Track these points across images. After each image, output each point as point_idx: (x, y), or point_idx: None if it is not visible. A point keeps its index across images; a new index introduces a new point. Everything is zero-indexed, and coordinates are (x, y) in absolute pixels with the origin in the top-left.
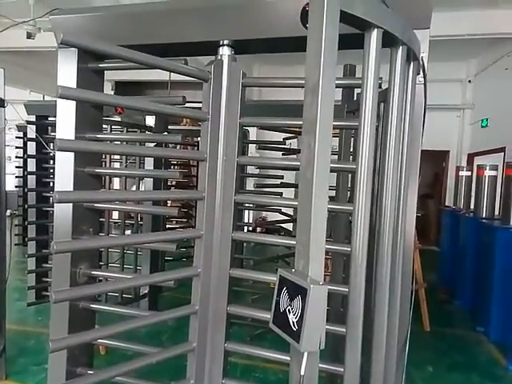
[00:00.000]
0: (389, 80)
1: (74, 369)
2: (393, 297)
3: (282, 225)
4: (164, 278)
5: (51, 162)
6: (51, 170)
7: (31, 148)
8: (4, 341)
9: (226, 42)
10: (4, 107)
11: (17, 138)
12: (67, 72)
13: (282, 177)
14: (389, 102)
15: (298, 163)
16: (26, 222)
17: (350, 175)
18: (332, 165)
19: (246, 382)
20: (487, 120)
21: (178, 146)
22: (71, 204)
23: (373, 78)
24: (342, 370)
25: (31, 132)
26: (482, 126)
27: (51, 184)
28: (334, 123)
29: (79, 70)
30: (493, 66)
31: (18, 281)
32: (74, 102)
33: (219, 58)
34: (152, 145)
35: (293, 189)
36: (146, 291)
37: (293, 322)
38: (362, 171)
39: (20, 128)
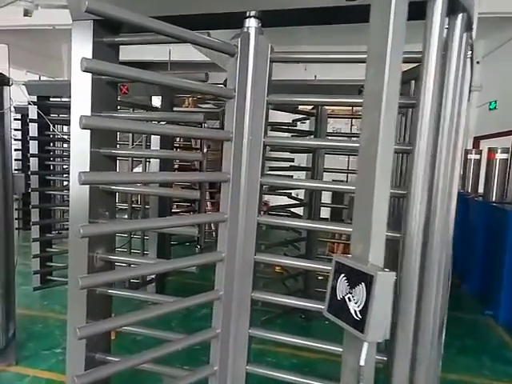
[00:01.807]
0: (447, 51)
1: (93, 355)
2: (439, 282)
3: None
4: (189, 263)
5: (51, 144)
6: (51, 153)
7: (33, 130)
8: (14, 326)
9: (252, 13)
10: (9, 85)
11: (15, 120)
12: (82, 46)
13: (292, 159)
14: (446, 77)
15: (330, 143)
16: (31, 206)
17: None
18: None
19: (269, 368)
20: (495, 102)
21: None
22: (88, 186)
23: (436, 48)
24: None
25: (33, 113)
26: (490, 109)
27: (52, 167)
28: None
29: (94, 44)
30: (501, 48)
31: (21, 265)
32: (89, 80)
33: (245, 30)
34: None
35: (303, 172)
36: (153, 276)
37: (355, 311)
38: (421, 152)
39: (18, 109)
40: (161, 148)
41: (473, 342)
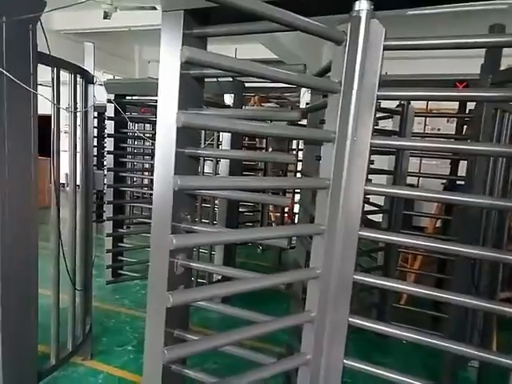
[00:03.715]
0: None
1: (169, 366)
2: None
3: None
4: (281, 280)
5: (127, 141)
6: (125, 150)
7: (110, 127)
8: (91, 320)
9: None
10: (93, 83)
11: (94, 117)
12: (171, 39)
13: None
14: None
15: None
16: (106, 202)
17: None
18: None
19: None
20: None
21: None
22: (172, 189)
23: None
24: None
25: (110, 111)
26: None
27: (126, 164)
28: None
29: (185, 37)
30: None
31: (96, 257)
32: (177, 74)
33: (354, 14)
34: None
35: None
36: (219, 277)
37: None
38: None
39: (96, 108)
40: (231, 148)
41: None
